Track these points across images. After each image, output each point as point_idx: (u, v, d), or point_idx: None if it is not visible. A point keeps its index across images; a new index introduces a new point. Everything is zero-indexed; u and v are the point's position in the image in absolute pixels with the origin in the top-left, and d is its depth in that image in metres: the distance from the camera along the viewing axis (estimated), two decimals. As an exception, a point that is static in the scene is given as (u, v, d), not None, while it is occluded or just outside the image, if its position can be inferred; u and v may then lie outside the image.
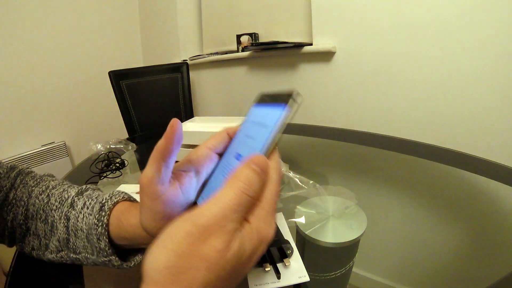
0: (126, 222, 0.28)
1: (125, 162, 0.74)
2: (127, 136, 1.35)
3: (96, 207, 0.30)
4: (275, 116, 0.23)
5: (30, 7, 1.57)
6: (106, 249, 0.28)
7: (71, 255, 0.31)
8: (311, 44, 1.26)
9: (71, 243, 0.31)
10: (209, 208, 0.18)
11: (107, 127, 1.95)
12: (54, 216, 0.32)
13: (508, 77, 0.86)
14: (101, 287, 0.38)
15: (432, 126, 1.03)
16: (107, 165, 0.72)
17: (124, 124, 1.38)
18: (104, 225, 0.29)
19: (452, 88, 0.97)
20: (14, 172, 0.36)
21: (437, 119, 1.02)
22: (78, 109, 1.85)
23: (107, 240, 0.28)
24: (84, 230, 0.30)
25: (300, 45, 1.25)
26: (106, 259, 0.29)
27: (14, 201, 0.34)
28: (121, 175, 0.69)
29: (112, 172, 0.69)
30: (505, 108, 0.88)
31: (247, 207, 0.19)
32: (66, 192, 0.34)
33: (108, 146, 0.82)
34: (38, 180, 0.36)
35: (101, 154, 0.78)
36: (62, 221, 0.31)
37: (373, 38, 1.09)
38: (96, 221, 0.29)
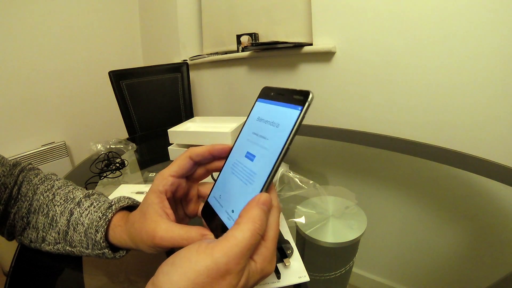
0: (119, 229, 0.31)
1: (125, 162, 0.74)
2: (127, 136, 1.35)
3: (104, 206, 0.33)
4: (290, 118, 0.22)
5: (30, 7, 1.57)
6: (101, 242, 0.30)
7: (67, 247, 0.34)
8: (311, 44, 1.26)
9: (69, 236, 0.33)
10: (231, 248, 0.19)
11: (107, 127, 1.95)
12: (56, 211, 0.35)
13: (509, 76, 0.86)
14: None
15: (432, 126, 1.03)
16: (107, 165, 0.72)
17: (124, 124, 1.38)
18: (107, 220, 0.31)
19: (452, 88, 0.97)
20: (17, 169, 0.38)
21: (437, 119, 1.02)
22: (78, 109, 1.84)
23: (103, 233, 0.30)
24: (85, 225, 0.32)
25: (300, 45, 1.25)
26: (100, 252, 0.31)
27: (19, 196, 0.36)
28: (121, 175, 0.69)
29: (112, 172, 0.69)
30: (505, 108, 0.88)
31: (256, 245, 0.21)
32: (71, 193, 0.37)
33: (108, 146, 0.82)
34: (43, 178, 0.39)
35: (101, 154, 0.78)
36: (65, 216, 0.34)
37: (373, 38, 1.09)
38: (100, 215, 0.32)
